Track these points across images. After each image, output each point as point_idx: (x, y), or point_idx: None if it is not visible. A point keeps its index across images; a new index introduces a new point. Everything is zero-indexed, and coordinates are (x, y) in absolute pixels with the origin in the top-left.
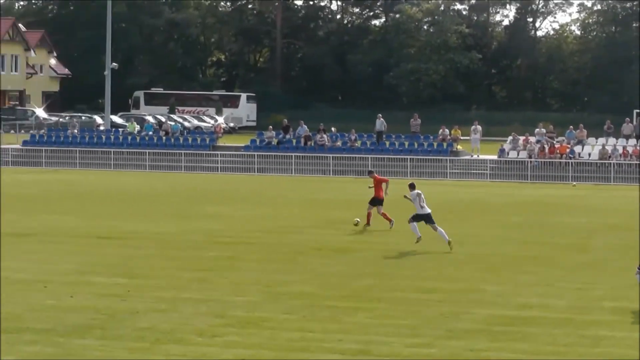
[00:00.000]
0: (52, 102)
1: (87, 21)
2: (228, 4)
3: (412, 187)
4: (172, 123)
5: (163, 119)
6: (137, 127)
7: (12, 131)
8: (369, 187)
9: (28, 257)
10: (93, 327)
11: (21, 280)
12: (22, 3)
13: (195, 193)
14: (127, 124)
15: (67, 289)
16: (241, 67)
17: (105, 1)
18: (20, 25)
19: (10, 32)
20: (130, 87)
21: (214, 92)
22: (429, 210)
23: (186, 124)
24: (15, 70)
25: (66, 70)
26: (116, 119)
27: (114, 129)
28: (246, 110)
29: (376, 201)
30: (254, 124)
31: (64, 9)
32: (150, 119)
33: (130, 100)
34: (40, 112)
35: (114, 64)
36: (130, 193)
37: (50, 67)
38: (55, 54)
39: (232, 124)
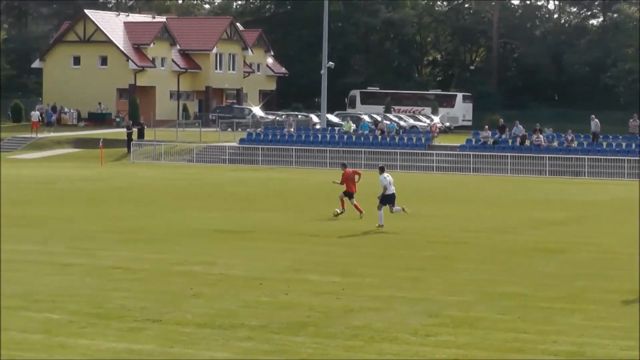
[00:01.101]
0: (269, 101)
1: (304, 20)
2: (444, 3)
3: (382, 170)
4: (388, 122)
5: (379, 118)
6: (353, 126)
7: (230, 129)
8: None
9: (243, 254)
10: (307, 325)
11: (237, 276)
12: (239, 2)
13: (408, 192)
14: (342, 123)
15: (282, 286)
16: (457, 67)
17: (322, 0)
18: (238, 24)
19: (228, 31)
20: (346, 86)
21: (429, 92)
22: (393, 190)
23: (402, 123)
24: (233, 69)
25: (283, 69)
26: (332, 117)
27: (329, 128)
28: (462, 109)
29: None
30: (469, 123)
31: (281, 8)
32: (366, 118)
33: (346, 99)
34: (257, 111)
35: (330, 62)
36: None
37: (267, 65)
38: (272, 53)
39: (447, 124)
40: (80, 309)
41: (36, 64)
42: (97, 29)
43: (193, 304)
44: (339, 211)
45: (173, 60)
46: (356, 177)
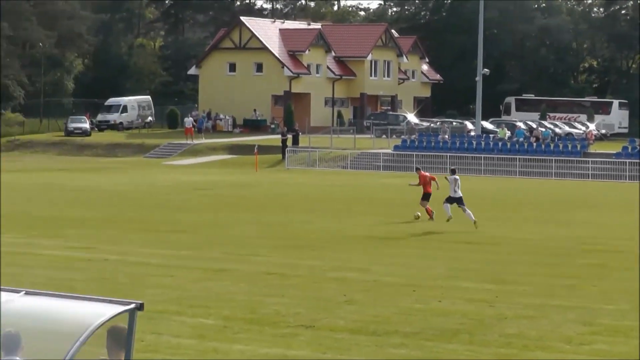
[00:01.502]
0: (423, 108)
1: (459, 27)
2: (601, 10)
3: (452, 172)
4: (543, 129)
5: (534, 125)
6: (508, 133)
7: (384, 136)
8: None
9: (397, 260)
10: (460, 332)
11: (390, 283)
12: (395, 9)
13: (562, 199)
14: (497, 130)
15: (435, 293)
16: (613, 73)
17: (477, 7)
18: (393, 31)
19: (383, 38)
20: (500, 93)
21: (585, 99)
22: (460, 195)
23: (557, 130)
24: (388, 76)
25: (437, 76)
26: (487, 124)
27: (484, 135)
28: (618, 117)
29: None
30: (625, 130)
31: (436, 14)
32: (521, 125)
33: (501, 106)
34: (412, 118)
35: (485, 69)
36: (496, 198)
37: (422, 72)
38: (427, 60)
39: (603, 131)
40: (234, 315)
41: (192, 70)
42: (253, 35)
43: (346, 310)
44: (419, 214)
45: (328, 67)
46: (432, 182)
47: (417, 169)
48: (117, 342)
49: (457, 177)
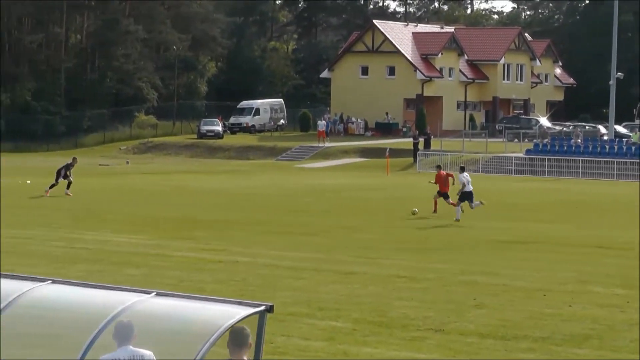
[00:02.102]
0: (556, 112)
1: (593, 30)
2: None
3: (462, 169)
4: None
5: None
6: None
7: (516, 140)
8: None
9: (526, 264)
10: (591, 337)
11: (520, 287)
12: (528, 13)
13: None
14: (631, 134)
15: (565, 298)
16: None
17: (611, 10)
18: (526, 34)
19: (516, 41)
20: (634, 96)
21: None
22: (471, 189)
23: None
24: (520, 80)
25: (571, 80)
26: (620, 128)
27: (617, 139)
28: None
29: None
30: None
31: (570, 18)
32: None
33: (634, 110)
34: (544, 121)
35: (619, 73)
36: (629, 203)
37: (555, 76)
38: (560, 63)
39: None
40: (363, 317)
41: (324, 73)
42: (386, 39)
43: (476, 313)
44: (433, 212)
45: (460, 71)
46: (450, 179)
47: (438, 167)
48: (237, 341)
49: (467, 174)
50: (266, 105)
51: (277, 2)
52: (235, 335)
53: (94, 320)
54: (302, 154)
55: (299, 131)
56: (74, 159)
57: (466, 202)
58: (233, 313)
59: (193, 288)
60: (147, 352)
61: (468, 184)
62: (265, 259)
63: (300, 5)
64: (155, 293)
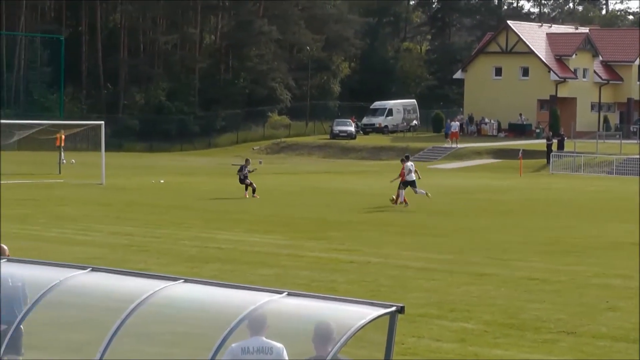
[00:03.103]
0: None
1: None
2: None
3: (407, 158)
4: None
5: None
6: None
7: None
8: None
9: None
10: None
11: None
12: None
13: None
14: None
15: None
16: None
17: None
18: None
19: None
20: None
21: None
22: (414, 178)
23: None
24: None
25: None
26: None
27: None
28: None
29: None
30: None
31: None
32: None
33: None
34: None
35: None
36: None
37: None
38: None
39: None
40: (494, 319)
41: (458, 74)
42: (519, 39)
43: (609, 316)
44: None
45: (595, 72)
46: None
47: (402, 160)
48: (322, 337)
49: (411, 163)
50: (399, 106)
51: (411, 2)
52: (320, 331)
53: (225, 319)
54: (434, 155)
55: (432, 132)
56: (247, 160)
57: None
58: (364, 314)
59: (325, 288)
60: (278, 345)
61: (410, 172)
62: (397, 259)
63: (434, 6)
64: (286, 293)
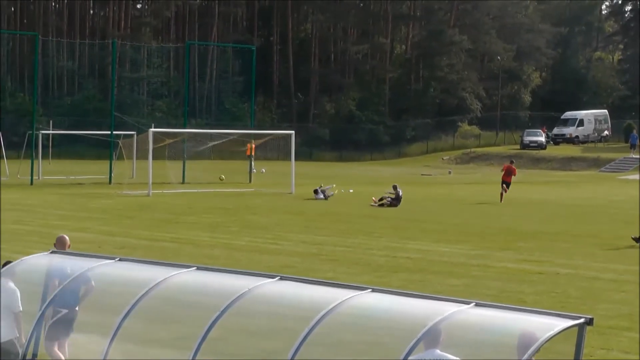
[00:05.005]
0: None
1: None
2: None
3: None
4: None
5: None
6: None
7: None
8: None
9: None
10: None
11: None
12: None
13: None
14: None
15: None
16: None
17: None
18: None
19: None
20: None
21: None
22: None
23: None
24: None
25: None
26: None
27: None
28: None
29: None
30: None
31: None
32: None
33: None
34: None
35: None
36: None
37: None
38: None
39: None
40: None
41: None
42: None
43: None
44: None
45: None
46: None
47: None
48: (524, 347)
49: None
50: (590, 116)
51: (604, 12)
52: (524, 340)
53: (412, 329)
54: (626, 166)
55: (624, 142)
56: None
57: None
58: (552, 325)
59: (513, 299)
60: (454, 358)
61: None
62: (586, 271)
63: (626, 15)
64: (474, 303)
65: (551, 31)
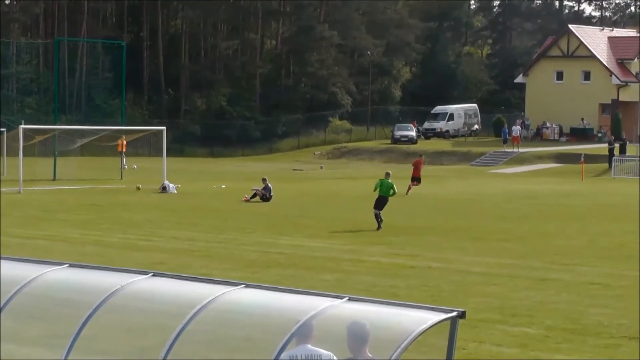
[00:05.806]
0: None
1: None
2: None
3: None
4: None
5: None
6: None
7: None
8: None
9: None
10: None
11: None
12: None
13: None
14: None
15: None
16: None
17: None
18: None
19: None
20: None
21: None
22: None
23: None
24: None
25: None
26: None
27: None
28: None
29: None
30: None
31: None
32: None
33: None
34: None
35: None
36: None
37: None
38: None
39: None
40: (556, 324)
41: (519, 79)
42: (581, 44)
43: None
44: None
45: None
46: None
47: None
48: (356, 339)
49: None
50: (460, 111)
51: (472, 7)
52: (354, 332)
53: (286, 324)
54: (496, 160)
55: (493, 136)
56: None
57: None
58: (425, 318)
59: (386, 293)
60: (326, 352)
61: None
62: (458, 264)
63: (494, 10)
64: (347, 298)
65: (420, 26)
